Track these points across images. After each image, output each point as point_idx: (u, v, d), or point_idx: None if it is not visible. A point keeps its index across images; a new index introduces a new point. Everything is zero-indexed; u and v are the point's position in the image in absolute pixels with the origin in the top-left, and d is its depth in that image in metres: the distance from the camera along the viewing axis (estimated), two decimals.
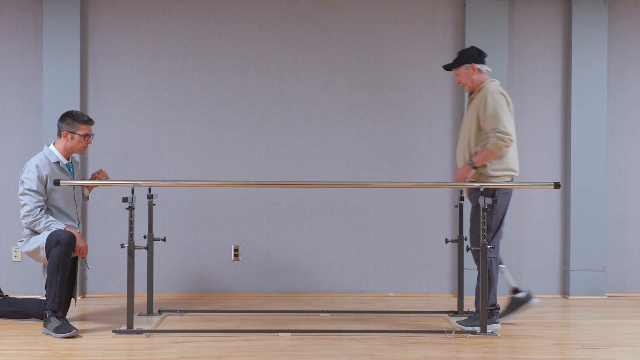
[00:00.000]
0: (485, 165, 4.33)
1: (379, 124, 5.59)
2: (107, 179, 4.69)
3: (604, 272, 5.56)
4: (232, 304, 5.24)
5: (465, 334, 4.26)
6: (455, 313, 4.81)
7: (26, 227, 4.44)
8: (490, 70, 4.51)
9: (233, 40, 5.55)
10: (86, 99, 5.48)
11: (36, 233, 4.42)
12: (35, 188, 4.38)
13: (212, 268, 5.55)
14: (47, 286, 4.27)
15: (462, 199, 4.73)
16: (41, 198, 4.40)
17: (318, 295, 5.56)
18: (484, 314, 4.26)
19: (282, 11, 5.57)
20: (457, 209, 4.77)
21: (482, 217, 4.23)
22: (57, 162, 4.52)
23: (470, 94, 4.50)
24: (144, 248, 4.53)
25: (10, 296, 4.82)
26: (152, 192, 4.71)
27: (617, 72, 5.66)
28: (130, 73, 5.51)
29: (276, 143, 5.57)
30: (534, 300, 4.56)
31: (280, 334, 4.26)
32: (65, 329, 4.18)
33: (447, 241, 4.78)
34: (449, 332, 4.28)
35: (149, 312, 4.77)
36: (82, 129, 4.52)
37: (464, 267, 5.00)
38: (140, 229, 5.10)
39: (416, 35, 5.60)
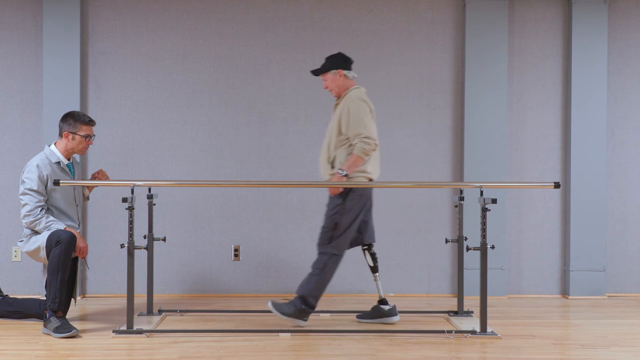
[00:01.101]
0: (342, 169, 4.35)
1: (379, 124, 5.55)
2: (107, 179, 4.69)
3: (604, 272, 5.56)
4: (232, 304, 5.24)
5: (465, 334, 4.26)
6: (455, 313, 4.81)
7: (26, 227, 4.45)
8: (356, 76, 4.54)
9: (233, 40, 5.55)
10: (86, 99, 5.48)
11: (36, 233, 4.42)
12: (35, 188, 4.38)
13: (212, 268, 5.55)
14: (47, 286, 4.27)
15: (462, 199, 4.73)
16: (42, 198, 4.40)
17: None
18: (484, 314, 4.26)
19: (282, 11, 5.57)
20: (457, 209, 4.77)
21: (482, 217, 4.25)
22: (58, 162, 4.52)
23: (337, 100, 4.53)
24: (144, 248, 4.53)
25: (10, 296, 4.82)
26: (152, 192, 4.70)
27: (617, 72, 5.66)
28: (130, 73, 5.51)
29: (276, 143, 5.56)
30: (395, 318, 4.60)
31: (280, 334, 4.26)
32: (65, 329, 4.18)
33: (447, 241, 4.77)
34: (449, 332, 4.29)
35: (149, 312, 4.76)
36: (83, 130, 4.52)
37: (464, 267, 5.02)
38: (140, 229, 5.10)
39: (416, 35, 5.60)
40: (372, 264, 4.65)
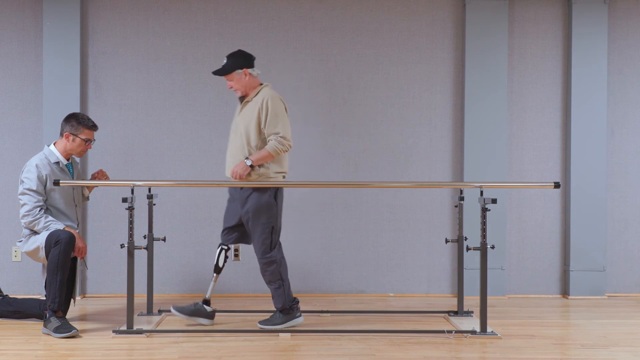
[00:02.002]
0: (265, 167, 4.34)
1: (379, 124, 5.59)
2: (107, 178, 4.68)
3: (604, 272, 5.56)
4: (232, 304, 5.23)
5: (465, 334, 4.26)
6: (455, 313, 4.81)
7: (25, 227, 4.44)
8: (260, 73, 4.50)
9: (233, 40, 5.55)
10: (86, 99, 5.48)
11: (36, 233, 4.42)
12: (34, 188, 4.38)
13: (212, 268, 5.53)
14: (47, 286, 4.27)
15: (462, 199, 4.73)
16: (41, 198, 4.40)
17: (318, 295, 5.56)
18: (484, 314, 4.26)
19: (282, 11, 5.57)
20: (457, 209, 4.77)
21: (482, 217, 4.25)
22: (57, 162, 4.52)
23: (243, 98, 4.43)
24: (144, 248, 4.53)
25: (10, 296, 4.81)
26: (152, 192, 4.70)
27: (617, 72, 5.66)
28: (130, 73, 5.51)
29: None
30: (208, 321, 4.48)
31: (280, 334, 4.26)
32: (65, 329, 4.18)
33: (447, 241, 4.78)
34: (449, 332, 4.28)
35: (149, 312, 4.76)
36: (85, 133, 4.51)
37: (464, 267, 5.01)
38: (140, 229, 5.09)
39: (416, 35, 5.60)
40: (222, 265, 4.56)
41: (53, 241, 4.25)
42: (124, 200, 4.25)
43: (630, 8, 5.65)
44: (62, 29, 5.36)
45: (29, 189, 4.39)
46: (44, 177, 4.42)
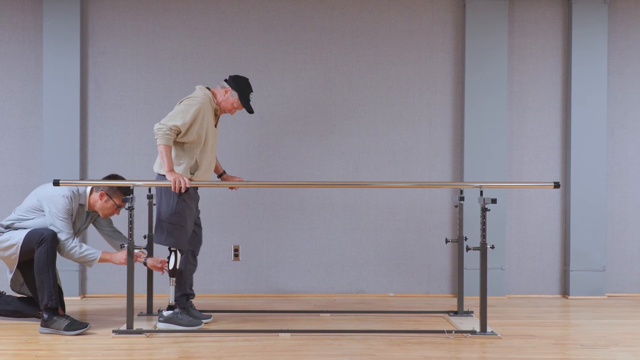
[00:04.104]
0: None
1: (379, 124, 5.60)
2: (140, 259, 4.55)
3: (604, 272, 5.56)
4: (232, 304, 5.24)
5: (465, 334, 4.26)
6: (455, 313, 4.81)
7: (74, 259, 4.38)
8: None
9: (233, 40, 5.55)
10: (86, 99, 5.48)
11: (9, 230, 4.39)
12: (66, 217, 4.34)
13: (212, 268, 5.55)
14: (40, 285, 4.23)
15: (462, 199, 4.73)
16: (72, 231, 4.37)
17: (318, 295, 5.57)
18: (484, 314, 4.26)
19: (282, 11, 5.57)
20: (457, 209, 4.77)
21: (482, 217, 4.26)
22: (82, 206, 4.48)
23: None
24: (144, 248, 4.52)
25: (8, 294, 4.79)
26: (152, 192, 4.69)
27: (617, 72, 5.66)
28: (130, 73, 5.51)
29: (276, 143, 5.56)
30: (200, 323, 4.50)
31: (280, 334, 4.26)
32: (78, 326, 4.21)
33: (447, 241, 4.78)
34: (449, 332, 4.29)
35: (149, 312, 4.76)
36: (120, 200, 4.46)
37: (464, 267, 5.02)
38: (141, 229, 5.10)
39: (416, 35, 5.60)
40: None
41: (36, 240, 4.23)
42: (124, 200, 4.25)
43: (630, 8, 5.65)
44: (62, 29, 5.36)
45: (64, 218, 4.32)
46: (72, 211, 4.38)
